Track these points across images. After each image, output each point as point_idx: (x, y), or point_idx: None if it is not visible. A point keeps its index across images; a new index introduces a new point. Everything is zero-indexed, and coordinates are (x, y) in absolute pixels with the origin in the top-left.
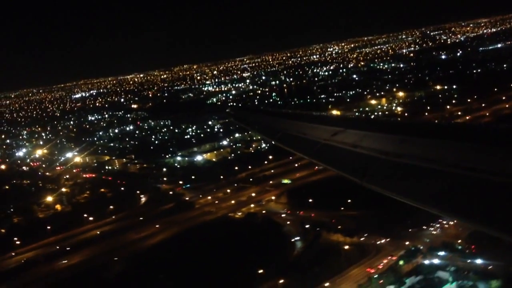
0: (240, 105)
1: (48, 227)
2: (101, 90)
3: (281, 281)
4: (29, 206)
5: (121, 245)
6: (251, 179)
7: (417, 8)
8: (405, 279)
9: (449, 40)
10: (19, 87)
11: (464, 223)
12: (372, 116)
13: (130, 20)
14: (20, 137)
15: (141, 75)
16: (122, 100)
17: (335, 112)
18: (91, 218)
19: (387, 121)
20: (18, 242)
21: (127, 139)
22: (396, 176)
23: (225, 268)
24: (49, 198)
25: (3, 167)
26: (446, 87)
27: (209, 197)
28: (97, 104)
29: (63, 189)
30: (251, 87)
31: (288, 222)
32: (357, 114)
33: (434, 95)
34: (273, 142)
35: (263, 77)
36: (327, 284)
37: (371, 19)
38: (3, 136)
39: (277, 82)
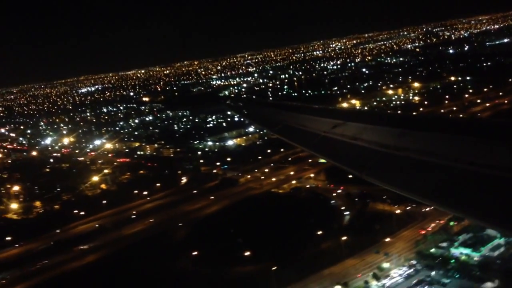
0: (240, 96)
1: (103, 202)
2: (106, 85)
3: (344, 238)
4: (75, 185)
5: (180, 214)
6: (288, 159)
7: (417, 6)
8: (458, 237)
9: (452, 36)
10: (18, 82)
11: (463, 217)
12: (375, 109)
13: (128, 17)
14: (40, 128)
15: (143, 71)
16: (131, 94)
17: (354, 101)
18: (144, 192)
19: (386, 114)
20: (82, 213)
21: (150, 128)
22: (396, 169)
23: (286, 230)
24: (94, 178)
25: (34, 153)
26: (460, 78)
27: (249, 176)
28: (107, 98)
29: (104, 171)
30: (261, 80)
31: (334, 195)
32: (375, 103)
33: (449, 85)
34: (272, 134)
35: (271, 71)
36: (387, 240)
37: (370, 16)
38: (22, 127)
39: (287, 75)
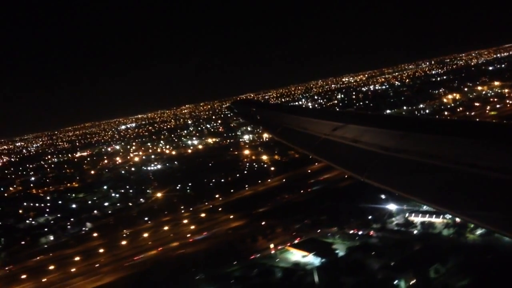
0: (242, 99)
1: None
2: (141, 123)
3: None
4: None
5: None
6: None
7: (409, 45)
8: None
9: (470, 62)
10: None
11: (464, 220)
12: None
13: (122, 67)
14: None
15: (150, 114)
16: (189, 121)
17: (451, 96)
18: None
19: (387, 116)
20: None
21: None
22: (396, 171)
23: None
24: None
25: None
26: None
27: None
28: (168, 127)
29: None
30: (320, 101)
31: None
32: (471, 96)
33: None
34: (273, 136)
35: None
36: None
37: (362, 57)
38: (138, 141)
39: (343, 96)
